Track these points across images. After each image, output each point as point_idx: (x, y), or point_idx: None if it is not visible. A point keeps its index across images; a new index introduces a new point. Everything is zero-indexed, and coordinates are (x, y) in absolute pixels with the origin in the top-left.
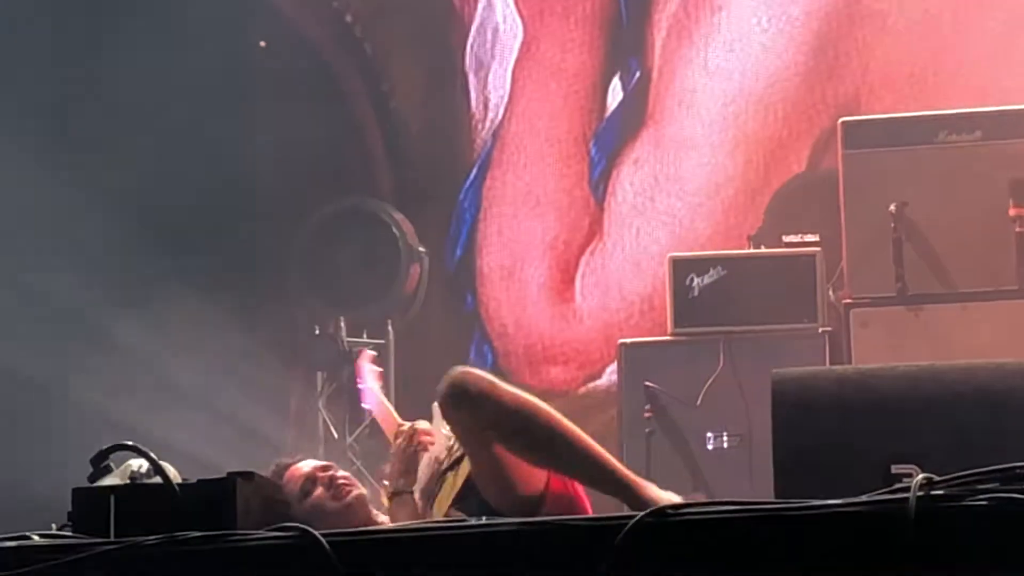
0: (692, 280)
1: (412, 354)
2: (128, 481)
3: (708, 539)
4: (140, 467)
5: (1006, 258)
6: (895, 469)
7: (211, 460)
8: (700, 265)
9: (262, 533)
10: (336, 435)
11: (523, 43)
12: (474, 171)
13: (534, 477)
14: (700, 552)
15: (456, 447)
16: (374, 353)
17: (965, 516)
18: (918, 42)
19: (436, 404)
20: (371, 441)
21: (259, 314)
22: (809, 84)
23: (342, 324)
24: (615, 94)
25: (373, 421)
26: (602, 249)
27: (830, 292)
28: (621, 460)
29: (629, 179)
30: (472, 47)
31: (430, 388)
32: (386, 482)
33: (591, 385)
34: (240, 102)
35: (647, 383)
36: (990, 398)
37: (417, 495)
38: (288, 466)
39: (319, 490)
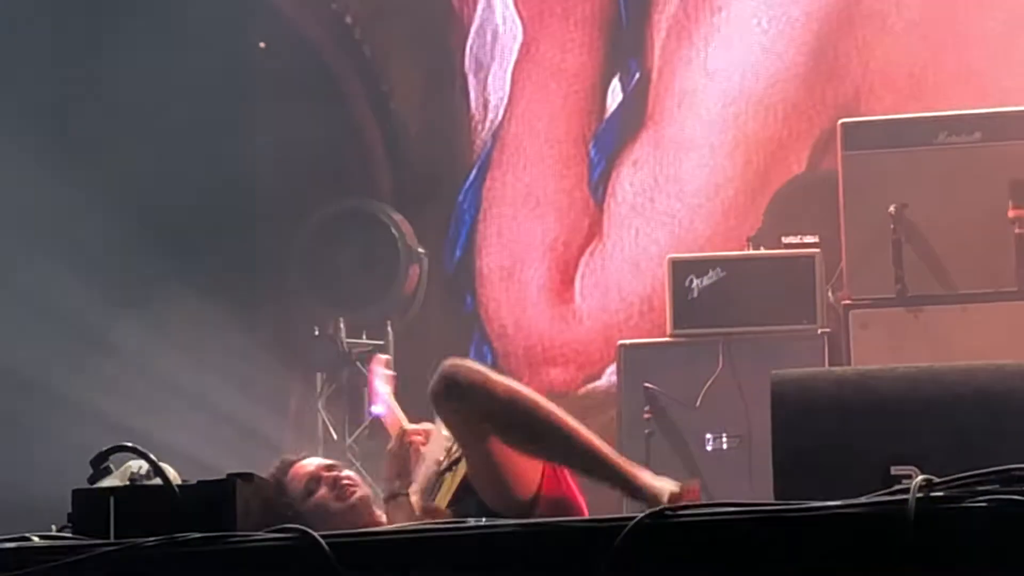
0: (691, 281)
1: (411, 355)
2: (128, 482)
3: (707, 540)
4: (140, 468)
5: (1006, 259)
6: (895, 470)
7: (211, 461)
8: (699, 266)
9: (262, 534)
10: (335, 436)
11: (523, 44)
12: (473, 172)
13: (528, 478)
14: (699, 553)
15: (454, 448)
16: (387, 357)
17: (964, 517)
18: (918, 42)
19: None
20: (371, 442)
21: (259, 314)
22: (809, 85)
23: (341, 325)
24: (615, 95)
25: (373, 422)
26: (601, 250)
27: (829, 293)
28: None
29: (629, 180)
30: (471, 48)
31: None
32: (381, 488)
33: (590, 386)
34: (240, 102)
35: (646, 384)
36: (990, 399)
37: (414, 496)
38: (292, 463)
39: (323, 490)
